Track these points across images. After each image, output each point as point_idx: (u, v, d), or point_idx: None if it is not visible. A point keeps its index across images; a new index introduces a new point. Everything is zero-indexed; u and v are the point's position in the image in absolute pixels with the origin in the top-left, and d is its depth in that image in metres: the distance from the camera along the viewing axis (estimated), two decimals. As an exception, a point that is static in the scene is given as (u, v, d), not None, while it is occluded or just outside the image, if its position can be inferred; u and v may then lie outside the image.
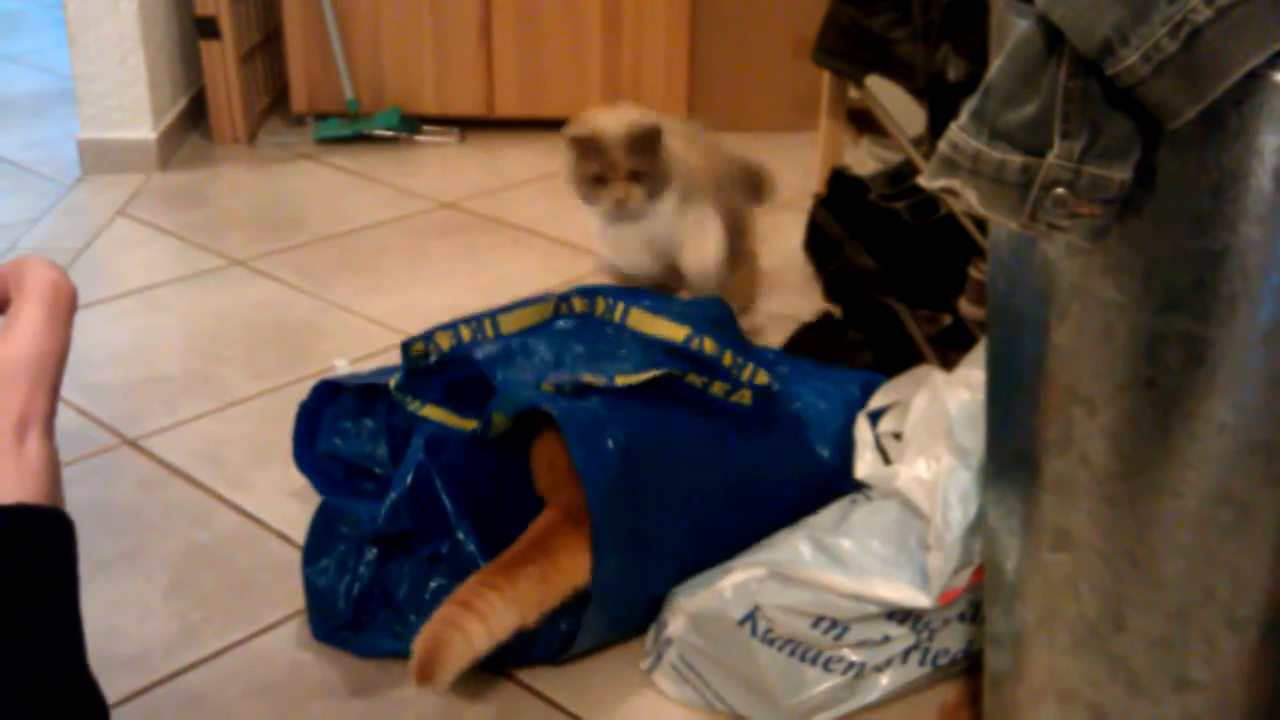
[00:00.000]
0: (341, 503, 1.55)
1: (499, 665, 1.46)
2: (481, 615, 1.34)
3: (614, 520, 1.39)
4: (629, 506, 1.41)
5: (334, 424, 1.71)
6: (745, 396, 1.52)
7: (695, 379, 1.49)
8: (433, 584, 1.49)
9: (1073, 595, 1.08)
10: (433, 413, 1.57)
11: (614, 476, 1.39)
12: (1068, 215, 0.90)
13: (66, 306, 0.52)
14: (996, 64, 0.92)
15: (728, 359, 1.54)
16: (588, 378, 1.45)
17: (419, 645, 1.32)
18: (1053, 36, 0.87)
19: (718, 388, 1.51)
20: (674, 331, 1.57)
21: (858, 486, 1.50)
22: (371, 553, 1.51)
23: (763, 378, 1.53)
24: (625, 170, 1.86)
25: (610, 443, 1.39)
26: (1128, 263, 0.95)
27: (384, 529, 1.48)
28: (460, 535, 1.47)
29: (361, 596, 1.50)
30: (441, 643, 1.32)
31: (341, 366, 2.11)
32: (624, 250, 1.97)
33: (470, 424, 1.54)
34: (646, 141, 1.86)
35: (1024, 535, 1.13)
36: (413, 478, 1.49)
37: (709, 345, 1.55)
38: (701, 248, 1.93)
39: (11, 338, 0.50)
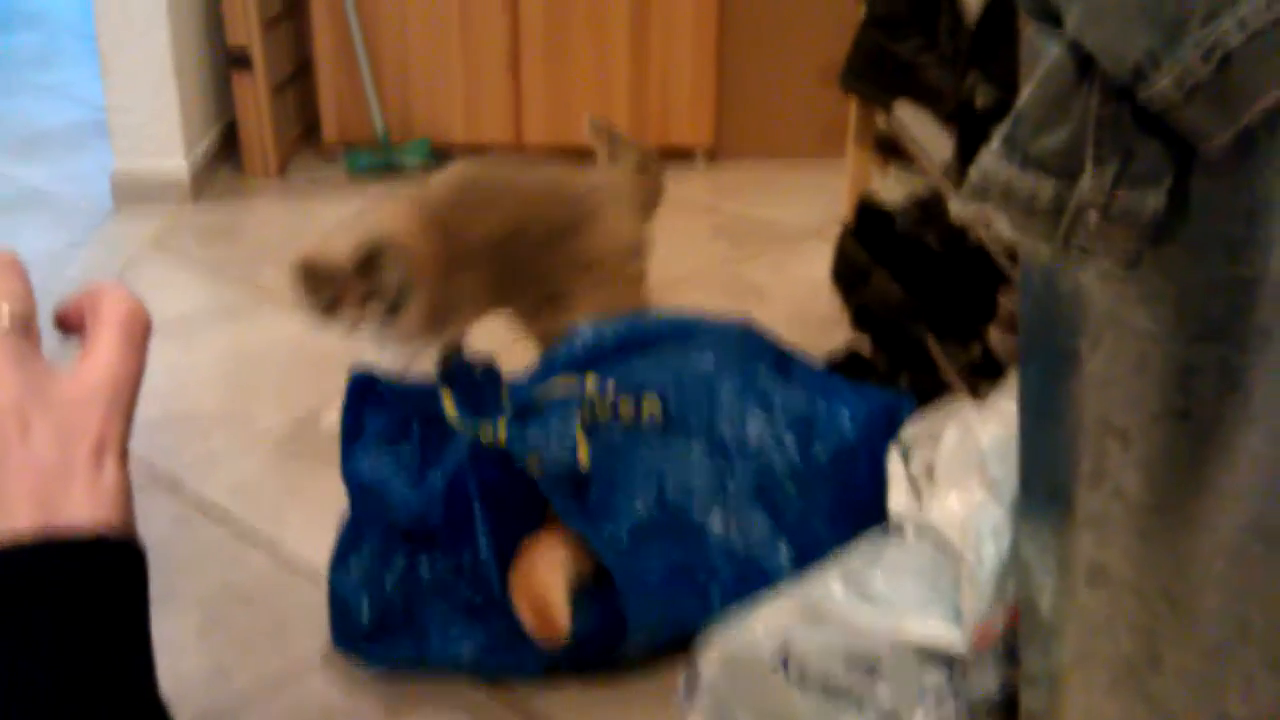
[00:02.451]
0: (381, 485, 1.55)
1: (530, 706, 1.44)
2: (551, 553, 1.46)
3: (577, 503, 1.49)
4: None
5: (368, 446, 1.68)
6: (655, 408, 1.58)
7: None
8: (455, 598, 1.49)
9: (1109, 633, 1.06)
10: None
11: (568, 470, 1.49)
12: (1100, 242, 0.89)
13: (142, 333, 0.53)
14: (1027, 90, 0.90)
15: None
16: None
17: (526, 618, 1.43)
18: (1084, 62, 0.86)
19: (624, 407, 1.57)
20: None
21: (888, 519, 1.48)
22: (398, 564, 1.51)
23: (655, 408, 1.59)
24: (358, 295, 1.77)
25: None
26: (1161, 291, 0.93)
27: (416, 521, 1.49)
28: (482, 544, 1.47)
29: (385, 605, 1.50)
30: (542, 600, 1.43)
31: None
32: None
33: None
34: (376, 262, 1.77)
35: (1059, 571, 1.10)
36: (452, 479, 1.50)
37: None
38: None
39: (89, 363, 0.51)
